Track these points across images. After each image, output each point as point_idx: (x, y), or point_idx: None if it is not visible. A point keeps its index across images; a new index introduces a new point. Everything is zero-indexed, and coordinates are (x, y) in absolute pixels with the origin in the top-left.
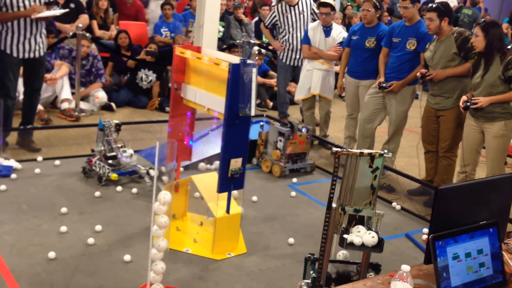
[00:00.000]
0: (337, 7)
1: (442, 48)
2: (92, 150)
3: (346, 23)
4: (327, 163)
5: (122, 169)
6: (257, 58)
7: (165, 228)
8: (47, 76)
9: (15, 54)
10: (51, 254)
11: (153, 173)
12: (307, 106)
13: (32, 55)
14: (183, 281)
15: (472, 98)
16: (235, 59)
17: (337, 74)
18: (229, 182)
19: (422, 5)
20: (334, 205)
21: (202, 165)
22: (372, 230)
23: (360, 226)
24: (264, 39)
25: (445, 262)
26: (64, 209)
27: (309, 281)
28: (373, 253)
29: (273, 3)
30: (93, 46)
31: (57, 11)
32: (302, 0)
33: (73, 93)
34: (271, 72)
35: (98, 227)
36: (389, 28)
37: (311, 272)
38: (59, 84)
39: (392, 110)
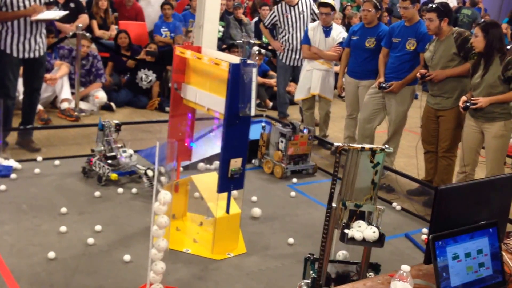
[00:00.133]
0: (337, 7)
1: (442, 48)
2: (92, 150)
3: (346, 23)
4: (327, 164)
5: (122, 169)
6: (257, 58)
7: (165, 228)
8: (47, 76)
9: (15, 54)
10: (51, 254)
11: (151, 173)
12: (306, 106)
13: (32, 55)
14: (183, 281)
15: (472, 99)
16: (235, 59)
17: (337, 74)
18: (229, 182)
19: (422, 6)
20: (334, 205)
21: (202, 165)
22: (373, 225)
23: (361, 221)
24: (264, 39)
25: (445, 262)
26: (64, 209)
27: (309, 281)
28: (373, 253)
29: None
30: (93, 46)
31: (56, 16)
32: (302, 0)
33: (73, 93)
34: (271, 72)
35: (98, 227)
36: (389, 28)
37: (311, 272)
38: (59, 84)
39: (392, 110)
